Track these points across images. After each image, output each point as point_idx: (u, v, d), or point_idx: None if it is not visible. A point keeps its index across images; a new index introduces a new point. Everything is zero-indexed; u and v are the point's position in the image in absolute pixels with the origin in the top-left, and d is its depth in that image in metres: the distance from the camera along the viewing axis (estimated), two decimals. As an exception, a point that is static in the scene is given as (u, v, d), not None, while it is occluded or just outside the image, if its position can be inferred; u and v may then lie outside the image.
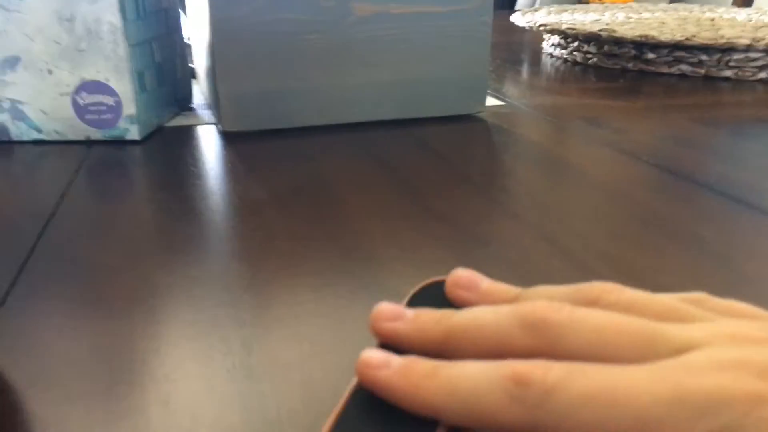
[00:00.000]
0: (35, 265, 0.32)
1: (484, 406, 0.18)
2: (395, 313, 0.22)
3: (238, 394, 0.22)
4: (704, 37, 0.82)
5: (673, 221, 0.37)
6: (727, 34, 0.83)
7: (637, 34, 0.85)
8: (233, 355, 0.25)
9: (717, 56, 0.82)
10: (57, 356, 0.25)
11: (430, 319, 0.21)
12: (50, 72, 0.51)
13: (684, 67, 0.85)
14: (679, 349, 0.18)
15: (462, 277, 0.24)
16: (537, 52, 1.08)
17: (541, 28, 0.99)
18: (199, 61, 0.66)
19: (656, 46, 0.86)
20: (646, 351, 0.19)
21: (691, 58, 0.84)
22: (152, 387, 0.23)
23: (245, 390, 0.23)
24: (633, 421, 0.17)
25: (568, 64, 0.96)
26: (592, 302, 0.21)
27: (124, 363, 0.24)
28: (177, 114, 0.63)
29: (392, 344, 0.21)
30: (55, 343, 0.25)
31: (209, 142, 0.54)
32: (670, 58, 0.86)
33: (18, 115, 0.53)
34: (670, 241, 0.34)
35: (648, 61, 0.87)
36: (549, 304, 0.20)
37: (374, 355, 0.20)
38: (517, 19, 1.10)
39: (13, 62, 0.51)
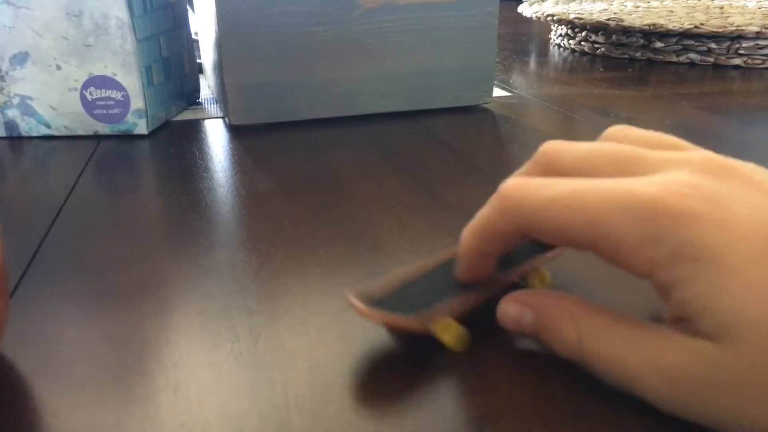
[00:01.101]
0: (45, 256, 0.33)
1: (485, 226, 0.23)
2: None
3: (246, 382, 0.23)
4: (713, 24, 0.81)
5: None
6: (737, 21, 0.83)
7: (646, 22, 0.85)
8: (241, 343, 0.25)
9: (726, 44, 0.82)
10: (67, 345, 0.25)
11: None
12: (59, 67, 0.52)
13: (693, 56, 0.84)
14: (653, 170, 0.20)
15: None
16: (545, 42, 1.08)
17: (549, 18, 0.98)
18: (206, 56, 0.67)
19: (665, 34, 0.85)
20: (623, 170, 0.21)
21: (700, 46, 0.83)
22: (161, 375, 0.23)
23: (253, 377, 0.23)
24: (583, 222, 0.20)
25: (576, 54, 0.95)
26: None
27: (133, 351, 0.24)
28: (184, 108, 0.63)
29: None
30: (65, 331, 0.26)
31: (216, 136, 0.54)
32: (678, 47, 0.85)
33: (27, 110, 0.53)
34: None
35: (656, 50, 0.87)
36: (556, 141, 0.24)
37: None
38: (524, 9, 1.09)
39: (22, 58, 0.51)
